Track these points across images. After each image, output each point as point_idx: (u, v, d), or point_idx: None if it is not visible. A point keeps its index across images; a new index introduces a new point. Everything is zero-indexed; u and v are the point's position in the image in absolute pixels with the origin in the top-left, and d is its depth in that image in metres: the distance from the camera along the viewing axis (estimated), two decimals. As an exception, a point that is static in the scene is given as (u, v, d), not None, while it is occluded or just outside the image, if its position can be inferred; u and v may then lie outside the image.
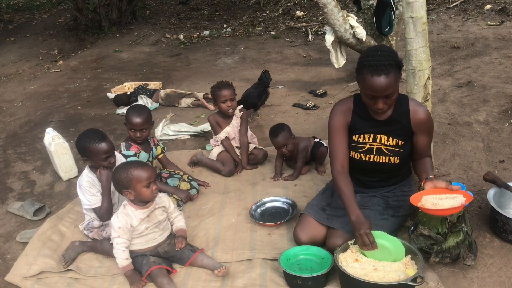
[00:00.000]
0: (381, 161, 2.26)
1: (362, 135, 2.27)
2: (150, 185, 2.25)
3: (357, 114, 2.26)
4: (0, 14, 12.23)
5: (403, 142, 2.23)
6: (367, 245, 2.02)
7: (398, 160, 2.25)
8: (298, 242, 2.32)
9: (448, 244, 2.12)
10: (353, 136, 2.29)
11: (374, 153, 2.26)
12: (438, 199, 2.07)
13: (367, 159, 2.28)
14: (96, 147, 2.47)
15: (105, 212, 2.52)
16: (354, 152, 2.30)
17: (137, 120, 2.89)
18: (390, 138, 2.23)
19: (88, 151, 2.49)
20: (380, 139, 2.24)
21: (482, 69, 4.61)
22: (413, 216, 2.42)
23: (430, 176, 2.16)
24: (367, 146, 2.27)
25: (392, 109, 2.19)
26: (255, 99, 4.29)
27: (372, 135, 2.25)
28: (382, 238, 2.07)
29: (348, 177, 2.22)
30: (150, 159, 3.03)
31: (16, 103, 5.71)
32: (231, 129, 3.45)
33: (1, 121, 5.05)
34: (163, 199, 2.43)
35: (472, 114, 3.68)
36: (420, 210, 2.27)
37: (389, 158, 2.24)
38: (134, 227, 2.27)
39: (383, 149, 2.25)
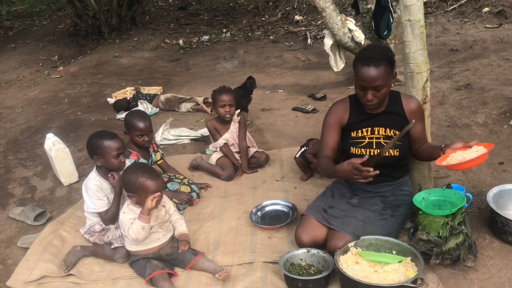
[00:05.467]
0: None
1: (360, 130, 2.36)
2: (152, 197, 2.25)
3: (353, 112, 2.38)
4: (0, 20, 12.29)
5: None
6: (363, 176, 2.06)
7: (398, 153, 2.30)
8: (299, 243, 2.32)
9: (448, 246, 2.12)
10: (352, 133, 2.37)
11: (374, 147, 2.32)
12: (461, 156, 2.08)
13: (367, 153, 2.30)
14: (108, 143, 2.48)
15: (111, 217, 2.52)
16: (354, 148, 2.35)
17: (144, 124, 2.92)
18: (388, 129, 2.32)
19: (100, 148, 2.49)
20: (378, 131, 2.33)
21: (481, 71, 4.62)
22: (413, 218, 2.42)
23: (443, 146, 2.19)
24: (367, 140, 2.33)
25: (386, 104, 2.32)
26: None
27: (370, 128, 2.34)
28: (377, 257, 2.09)
29: (331, 161, 2.36)
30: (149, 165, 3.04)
31: (16, 109, 5.73)
32: (230, 135, 3.45)
33: (2, 127, 5.07)
34: (164, 200, 2.45)
35: (471, 116, 3.69)
36: (420, 212, 2.29)
37: (389, 152, 2.28)
38: None
39: (382, 142, 2.31)
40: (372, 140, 2.33)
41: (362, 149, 2.32)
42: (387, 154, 2.28)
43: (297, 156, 3.26)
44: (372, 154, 2.30)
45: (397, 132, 2.29)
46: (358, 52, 2.28)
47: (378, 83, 2.16)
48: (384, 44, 4.81)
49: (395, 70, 2.28)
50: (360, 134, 2.35)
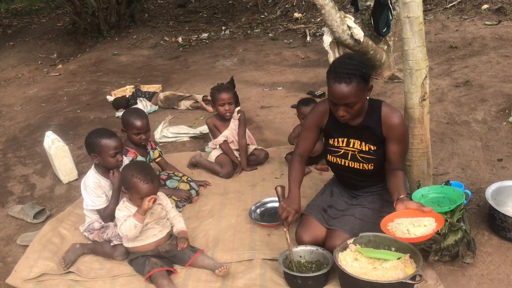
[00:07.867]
0: (355, 167, 2.30)
1: (336, 139, 2.32)
2: (149, 198, 2.26)
3: (332, 118, 2.29)
4: (-1, 18, 12.27)
5: (375, 148, 2.24)
6: (285, 221, 2.18)
7: (372, 167, 2.26)
8: (300, 243, 2.33)
9: (447, 243, 2.13)
10: (329, 140, 2.35)
11: (349, 159, 2.30)
12: (411, 226, 1.97)
13: (342, 163, 2.32)
14: (105, 142, 2.49)
15: (109, 213, 2.52)
16: (330, 156, 2.36)
17: (140, 122, 2.91)
18: (363, 143, 2.26)
19: (97, 146, 2.50)
20: (353, 143, 2.28)
21: (480, 68, 4.62)
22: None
23: (402, 196, 2.08)
24: (342, 150, 2.31)
25: (364, 115, 2.21)
26: None
27: (345, 140, 2.30)
28: (376, 254, 2.08)
29: (302, 164, 2.40)
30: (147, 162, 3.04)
31: (15, 107, 5.72)
32: (230, 132, 3.45)
33: (1, 125, 5.06)
34: (161, 198, 2.46)
35: (470, 113, 3.69)
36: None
37: (363, 165, 2.27)
38: None
39: (357, 155, 2.27)
40: (348, 152, 2.30)
41: (338, 159, 2.33)
42: (360, 167, 2.27)
43: (286, 155, 3.35)
44: (347, 165, 2.30)
45: (372, 147, 2.23)
46: (331, 63, 2.13)
47: (349, 100, 2.04)
48: (383, 41, 4.81)
49: (370, 84, 2.15)
50: (336, 144, 2.32)
